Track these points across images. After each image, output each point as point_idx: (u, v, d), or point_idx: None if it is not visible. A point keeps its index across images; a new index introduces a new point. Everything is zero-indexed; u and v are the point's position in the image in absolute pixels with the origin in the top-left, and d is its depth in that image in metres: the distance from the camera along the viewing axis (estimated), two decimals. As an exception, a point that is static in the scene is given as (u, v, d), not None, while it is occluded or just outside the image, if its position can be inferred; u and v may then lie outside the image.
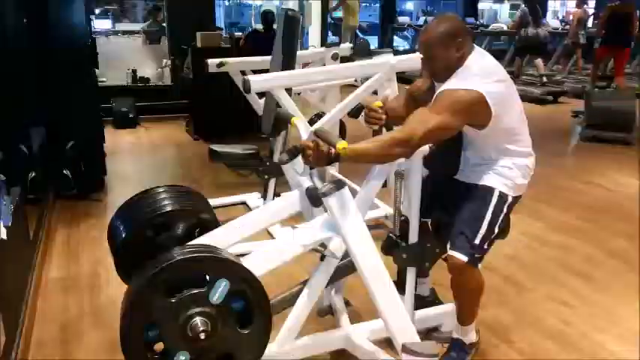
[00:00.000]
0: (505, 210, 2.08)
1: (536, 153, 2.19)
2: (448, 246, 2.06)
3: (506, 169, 2.08)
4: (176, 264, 1.59)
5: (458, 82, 1.95)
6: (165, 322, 1.55)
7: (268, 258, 1.90)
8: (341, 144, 1.73)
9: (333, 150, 1.77)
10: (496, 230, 2.08)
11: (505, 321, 2.64)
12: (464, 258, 2.01)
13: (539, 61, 8.98)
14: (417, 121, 1.90)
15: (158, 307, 1.54)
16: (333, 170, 4.17)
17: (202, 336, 1.54)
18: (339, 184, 1.84)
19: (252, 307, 1.65)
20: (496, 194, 2.06)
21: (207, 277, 1.60)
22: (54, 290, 2.90)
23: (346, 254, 2.06)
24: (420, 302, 2.37)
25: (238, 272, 1.64)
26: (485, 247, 2.06)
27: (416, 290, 2.26)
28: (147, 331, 1.56)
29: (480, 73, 1.96)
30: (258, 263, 1.83)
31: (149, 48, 8.88)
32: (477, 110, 1.93)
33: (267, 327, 1.71)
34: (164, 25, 8.36)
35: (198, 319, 1.55)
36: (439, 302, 2.50)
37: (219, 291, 1.57)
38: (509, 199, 2.09)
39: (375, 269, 1.91)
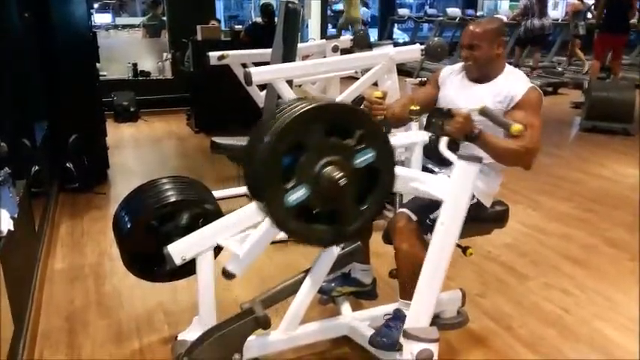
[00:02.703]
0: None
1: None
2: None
3: (483, 175, 2.14)
4: (349, 108, 1.59)
5: (519, 79, 2.14)
6: (310, 153, 1.51)
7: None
8: (516, 127, 1.85)
9: (476, 130, 1.91)
10: None
11: (505, 308, 2.67)
12: (412, 216, 2.06)
13: (537, 55, 8.98)
14: (533, 129, 2.01)
15: (314, 134, 1.50)
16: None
17: (329, 184, 1.51)
18: (479, 158, 1.85)
19: (377, 189, 1.63)
20: None
21: (359, 139, 1.57)
22: (59, 281, 2.94)
23: (347, 244, 2.09)
24: (359, 289, 2.47)
25: (388, 157, 1.62)
26: (433, 225, 2.05)
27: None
28: (287, 156, 1.52)
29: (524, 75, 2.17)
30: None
31: (149, 41, 8.86)
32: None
33: (375, 215, 1.70)
34: (164, 18, 8.34)
35: (334, 170, 1.51)
36: (375, 295, 2.52)
37: (365, 158, 1.56)
38: (474, 200, 2.13)
39: (446, 246, 1.89)
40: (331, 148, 1.52)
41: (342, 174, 1.50)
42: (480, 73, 2.18)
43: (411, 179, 1.89)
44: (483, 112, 1.96)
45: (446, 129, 1.94)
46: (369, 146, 1.56)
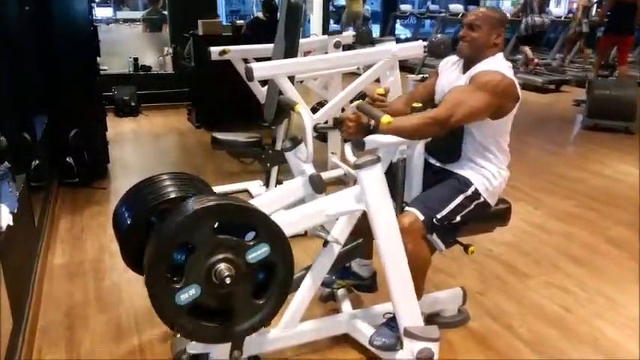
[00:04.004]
0: (472, 206, 2.14)
1: (537, 141, 2.23)
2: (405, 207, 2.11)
3: (489, 174, 2.16)
4: (240, 207, 1.59)
5: (495, 65, 2.06)
6: (199, 252, 1.52)
7: (294, 222, 1.86)
8: (386, 118, 1.82)
9: (372, 122, 1.89)
10: (457, 219, 2.12)
11: (506, 307, 2.66)
12: (420, 215, 2.04)
13: (526, 48, 8.91)
14: (456, 100, 1.98)
15: (202, 235, 1.51)
16: (334, 158, 4.20)
17: (222, 282, 1.51)
18: (374, 160, 1.86)
19: (274, 283, 1.64)
20: (472, 189, 2.14)
21: (253, 234, 1.58)
22: (59, 276, 2.93)
23: (348, 241, 2.08)
24: (358, 283, 2.49)
25: (282, 247, 1.63)
26: (439, 225, 2.07)
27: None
28: (176, 253, 1.54)
29: (509, 67, 2.10)
30: (284, 225, 1.78)
31: (150, 36, 8.82)
32: (509, 96, 2.04)
33: (276, 310, 1.70)
34: (165, 12, 8.31)
35: (226, 267, 1.52)
36: (375, 288, 2.53)
37: (259, 253, 1.56)
38: (480, 199, 2.15)
39: (394, 249, 1.92)
40: (222, 245, 1.53)
41: (228, 273, 1.50)
42: (470, 56, 2.13)
43: (323, 209, 1.90)
44: (358, 107, 1.98)
45: (343, 135, 1.99)
46: (263, 241, 1.56)
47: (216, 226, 1.55)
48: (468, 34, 2.12)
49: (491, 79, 2.00)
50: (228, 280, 1.50)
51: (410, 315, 1.99)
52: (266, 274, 1.64)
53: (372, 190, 1.86)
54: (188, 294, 1.51)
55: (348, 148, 2.09)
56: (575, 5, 10.08)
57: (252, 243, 1.56)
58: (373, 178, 1.86)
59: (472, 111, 1.98)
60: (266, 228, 1.59)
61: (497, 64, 2.07)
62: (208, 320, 1.60)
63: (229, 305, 1.60)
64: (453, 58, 2.30)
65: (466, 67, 2.16)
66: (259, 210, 1.63)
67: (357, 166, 1.86)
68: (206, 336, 1.63)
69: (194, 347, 1.90)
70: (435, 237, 2.08)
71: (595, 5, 9.58)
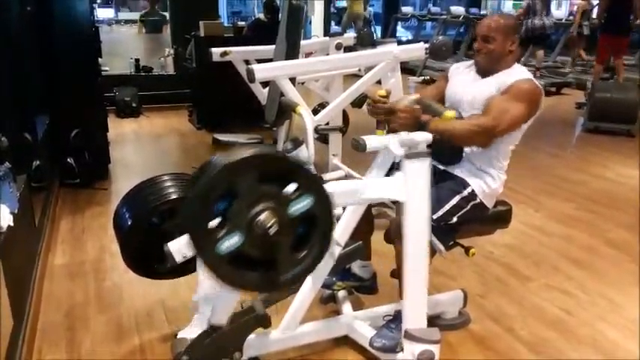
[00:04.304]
0: (468, 207, 2.14)
1: (538, 144, 2.25)
2: None
3: (488, 177, 2.18)
4: (285, 158, 1.58)
5: (527, 74, 2.11)
6: (242, 201, 1.50)
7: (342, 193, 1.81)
8: (449, 112, 1.83)
9: (425, 118, 1.88)
10: (453, 220, 2.12)
11: (507, 309, 2.66)
12: None
13: (540, 53, 8.94)
14: (501, 109, 1.99)
15: (246, 183, 1.48)
16: (336, 160, 4.21)
17: (265, 232, 1.49)
18: (426, 153, 1.84)
19: (315, 237, 1.61)
20: (468, 190, 2.15)
21: (295, 187, 1.55)
22: (59, 276, 2.93)
23: (349, 242, 2.08)
24: (359, 284, 2.49)
25: (325, 200, 1.59)
26: (436, 226, 2.05)
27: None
28: (218, 201, 1.51)
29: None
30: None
31: (151, 37, 8.83)
32: (539, 105, 2.08)
33: (315, 264, 1.66)
34: (164, 13, 8.34)
35: (269, 216, 1.50)
36: (375, 290, 2.52)
37: (302, 205, 1.54)
38: (477, 200, 2.16)
39: (420, 247, 1.90)
40: (265, 195, 1.51)
41: (273, 222, 1.49)
42: (490, 67, 2.17)
43: (363, 190, 1.87)
44: (418, 101, 1.96)
45: (392, 126, 1.93)
46: (305, 194, 1.54)
47: (259, 176, 1.51)
48: (484, 46, 2.15)
49: (530, 89, 2.05)
50: (272, 230, 1.48)
51: (415, 316, 1.97)
52: (307, 227, 1.61)
53: (416, 182, 1.83)
54: (230, 242, 1.49)
55: (393, 140, 2.03)
56: (575, 8, 10.08)
57: (295, 195, 1.53)
58: (420, 171, 1.83)
59: (515, 121, 2.02)
60: (310, 181, 1.56)
61: (527, 73, 2.13)
62: (250, 270, 1.58)
63: (270, 256, 1.57)
64: (464, 64, 2.33)
65: (485, 73, 2.19)
66: (304, 163, 1.62)
67: (407, 155, 1.83)
68: (248, 284, 1.60)
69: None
70: (433, 238, 2.08)
71: (597, 7, 9.58)
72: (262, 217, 1.49)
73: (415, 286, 1.94)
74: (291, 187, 1.53)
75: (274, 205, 1.51)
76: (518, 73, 2.13)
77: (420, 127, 1.91)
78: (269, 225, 1.48)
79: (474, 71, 2.25)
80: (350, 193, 1.82)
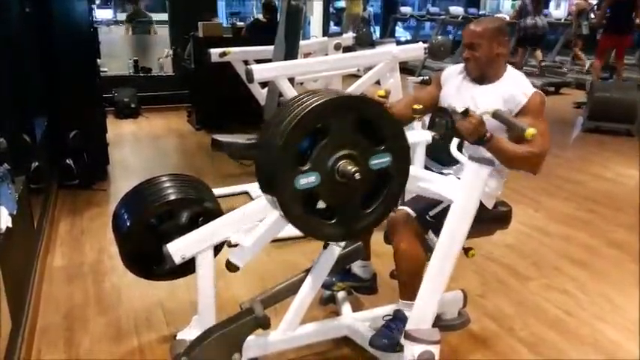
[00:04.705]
0: None
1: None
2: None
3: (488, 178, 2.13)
4: (383, 111, 1.56)
5: (522, 82, 2.12)
6: (331, 141, 1.48)
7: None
8: (531, 130, 1.84)
9: (488, 134, 1.89)
10: None
11: (506, 310, 2.65)
12: (412, 213, 2.04)
13: (538, 52, 8.95)
14: (540, 134, 1.97)
15: (341, 124, 1.48)
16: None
17: (344, 177, 1.49)
18: (490, 161, 1.83)
19: (385, 195, 1.60)
20: None
21: (381, 141, 1.55)
22: (58, 278, 2.92)
23: (348, 243, 2.07)
24: (359, 284, 2.48)
25: (404, 161, 1.60)
26: (434, 223, 2.05)
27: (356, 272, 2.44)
28: (305, 140, 1.49)
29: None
30: None
31: (140, 38, 8.76)
32: None
33: (379, 221, 1.67)
34: (148, 13, 8.41)
35: (349, 164, 1.48)
36: (375, 290, 2.51)
37: (382, 161, 1.54)
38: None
39: (451, 250, 1.88)
40: (352, 142, 1.50)
41: (356, 168, 1.47)
42: (481, 74, 2.16)
43: (420, 179, 1.87)
44: (496, 115, 1.94)
45: (459, 129, 1.91)
46: (388, 150, 1.53)
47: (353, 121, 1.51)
48: (470, 54, 2.14)
49: (540, 102, 2.08)
50: (356, 176, 1.47)
51: (422, 317, 1.95)
52: (379, 184, 1.60)
53: (472, 186, 1.82)
54: (308, 180, 1.47)
55: (453, 145, 2.01)
56: (574, 8, 10.08)
57: (378, 149, 1.53)
58: (480, 176, 1.82)
59: (549, 137, 2.04)
60: (397, 140, 1.56)
61: (523, 80, 2.13)
62: (316, 213, 1.57)
63: (338, 204, 1.56)
64: (456, 69, 2.30)
65: (480, 80, 2.17)
66: (398, 120, 1.60)
67: (472, 158, 1.82)
68: (309, 226, 1.58)
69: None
70: (431, 235, 2.07)
71: (595, 7, 9.58)
72: (344, 162, 1.48)
73: (434, 287, 1.90)
74: (379, 138, 1.53)
75: (358, 153, 1.50)
76: (521, 85, 2.11)
77: (482, 140, 1.91)
78: (353, 171, 1.46)
79: (465, 76, 2.23)
80: (411, 179, 1.78)
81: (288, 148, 1.44)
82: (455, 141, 1.99)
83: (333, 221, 1.57)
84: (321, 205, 1.60)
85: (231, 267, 1.93)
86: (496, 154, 1.96)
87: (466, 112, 1.90)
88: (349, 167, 1.48)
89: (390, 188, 1.60)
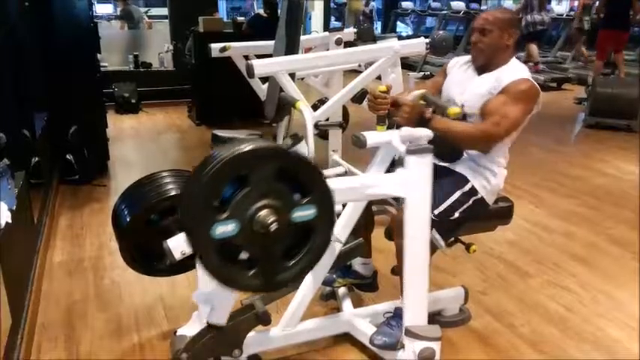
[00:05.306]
0: (470, 203, 2.13)
1: (539, 139, 2.23)
2: None
3: (488, 172, 2.16)
4: (306, 161, 1.54)
5: (520, 71, 2.07)
6: (252, 190, 1.45)
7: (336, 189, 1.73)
8: (453, 109, 1.82)
9: (428, 115, 1.87)
10: (455, 215, 2.10)
11: (508, 306, 2.65)
12: None
13: (534, 47, 8.89)
14: (500, 114, 1.97)
15: (262, 173, 1.45)
16: (335, 156, 4.19)
17: (263, 228, 1.45)
18: (428, 149, 1.82)
19: (308, 249, 1.58)
20: (469, 185, 2.13)
21: (302, 193, 1.52)
22: (58, 274, 2.92)
23: (349, 239, 2.06)
24: (359, 282, 2.48)
25: (328, 215, 1.56)
26: (438, 221, 2.05)
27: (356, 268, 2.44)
28: (226, 188, 1.47)
29: (528, 71, 2.11)
30: None
31: (152, 32, 8.77)
32: (537, 101, 2.06)
33: (300, 277, 1.65)
34: (138, 7, 8.45)
35: (270, 214, 1.46)
36: (376, 287, 2.51)
37: (304, 214, 1.51)
38: (478, 196, 2.14)
39: (420, 243, 1.88)
40: (275, 192, 1.47)
41: (274, 220, 1.45)
42: (486, 61, 2.14)
43: (364, 186, 1.85)
44: (424, 97, 1.96)
45: (395, 120, 1.93)
46: (312, 203, 1.51)
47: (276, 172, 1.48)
48: (479, 39, 2.12)
49: (527, 88, 2.02)
50: (272, 227, 1.44)
51: (416, 313, 1.96)
52: (303, 237, 1.58)
53: (417, 178, 1.82)
54: (226, 228, 1.44)
55: (395, 135, 2.02)
56: (576, 3, 10.05)
57: (302, 201, 1.51)
58: (422, 166, 1.81)
59: (515, 124, 2.01)
60: (320, 191, 1.53)
61: (520, 69, 2.09)
62: (236, 263, 1.54)
63: (258, 255, 1.53)
64: (462, 59, 2.29)
65: (481, 69, 2.16)
66: (321, 171, 1.59)
67: (409, 151, 1.81)
68: (226, 278, 1.54)
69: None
70: (434, 232, 2.06)
71: (597, 3, 9.54)
72: (264, 212, 1.45)
73: (415, 283, 1.92)
74: (302, 191, 1.50)
75: (280, 204, 1.47)
76: (513, 71, 2.09)
77: (423, 123, 1.90)
78: (270, 222, 1.44)
79: (471, 68, 2.22)
80: (351, 190, 1.81)
81: (205, 196, 1.44)
82: (398, 132, 1.97)
83: (253, 272, 1.55)
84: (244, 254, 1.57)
85: None
86: (442, 133, 1.94)
87: (396, 103, 1.92)
88: (268, 218, 1.45)
89: (314, 241, 1.58)
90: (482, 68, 2.16)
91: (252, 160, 1.44)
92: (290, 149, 1.62)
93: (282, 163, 1.48)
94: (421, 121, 1.90)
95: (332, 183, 1.74)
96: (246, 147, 1.43)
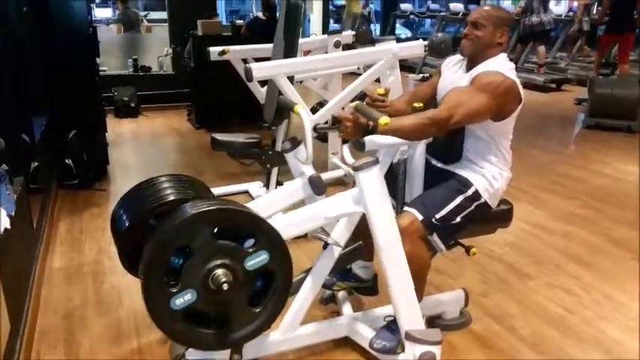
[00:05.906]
0: (472, 207, 2.10)
1: (539, 140, 2.22)
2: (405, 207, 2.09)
3: (490, 175, 2.14)
4: (240, 212, 1.56)
5: (497, 66, 2.03)
6: (197, 257, 1.49)
7: (292, 225, 1.84)
8: (383, 119, 1.79)
9: (371, 123, 1.84)
10: (457, 220, 2.08)
11: (508, 308, 2.64)
12: (419, 216, 2.01)
13: (542, 49, 8.90)
14: (456, 101, 1.94)
15: (200, 239, 1.48)
16: (335, 159, 4.19)
17: (219, 288, 1.49)
18: (372, 162, 1.84)
19: (272, 291, 1.61)
20: (472, 190, 2.11)
21: (252, 241, 1.55)
22: (57, 279, 2.91)
23: (349, 243, 2.06)
24: (359, 285, 2.48)
25: (281, 255, 1.60)
26: (439, 225, 2.04)
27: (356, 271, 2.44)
28: (173, 256, 1.51)
29: (512, 69, 2.07)
30: (282, 229, 1.74)
31: (150, 36, 8.77)
32: (511, 98, 2.02)
33: (272, 319, 1.68)
34: (136, 11, 8.46)
35: (223, 272, 1.49)
36: (376, 291, 2.50)
37: (257, 260, 1.53)
38: (481, 200, 2.12)
39: (394, 251, 1.90)
40: (220, 251, 1.50)
41: (226, 279, 1.48)
42: (473, 54, 2.11)
43: (320, 212, 1.88)
44: (356, 108, 1.94)
45: (341, 136, 1.94)
46: (262, 248, 1.54)
47: (215, 231, 1.53)
48: (471, 32, 2.10)
49: (493, 81, 1.97)
50: (225, 287, 1.48)
51: (411, 318, 1.97)
52: (264, 281, 1.62)
53: (370, 192, 1.84)
54: (184, 299, 1.49)
55: (346, 149, 2.06)
56: (575, 4, 10.05)
57: (251, 250, 1.54)
58: (372, 180, 1.83)
59: (472, 112, 1.95)
60: (266, 235, 1.57)
61: (500, 65, 2.04)
62: (204, 327, 1.58)
63: (226, 312, 1.58)
64: (455, 58, 2.28)
65: (469, 66, 2.13)
66: (259, 216, 1.61)
67: (355, 168, 1.84)
68: (201, 342, 1.61)
69: (193, 353, 1.88)
70: (435, 237, 2.06)
71: (596, 3, 9.56)
72: (217, 272, 1.49)
73: (402, 291, 1.95)
74: (249, 242, 1.54)
75: (230, 260, 1.50)
76: (493, 65, 2.05)
77: (368, 131, 1.86)
78: (222, 281, 1.47)
79: (463, 67, 2.21)
80: (309, 219, 1.86)
81: (153, 275, 1.48)
82: (347, 146, 2.04)
83: (221, 329, 1.58)
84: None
85: None
86: (394, 134, 1.91)
87: (334, 119, 1.96)
88: (221, 278, 1.48)
89: (277, 281, 1.61)
90: (470, 64, 2.14)
91: (187, 231, 1.48)
92: (224, 203, 1.64)
93: (217, 223, 1.52)
94: (367, 131, 1.87)
95: (287, 218, 1.79)
96: (177, 220, 1.48)
